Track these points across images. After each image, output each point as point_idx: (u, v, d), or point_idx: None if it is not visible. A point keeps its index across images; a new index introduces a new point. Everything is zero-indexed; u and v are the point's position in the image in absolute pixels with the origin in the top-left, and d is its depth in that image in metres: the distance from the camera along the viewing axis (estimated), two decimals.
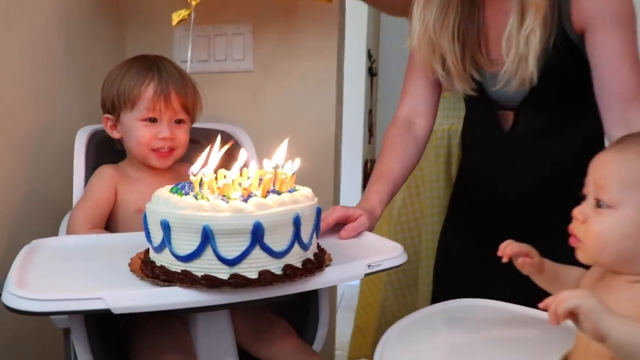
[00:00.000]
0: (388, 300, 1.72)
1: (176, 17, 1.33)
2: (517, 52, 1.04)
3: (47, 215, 1.34)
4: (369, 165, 3.62)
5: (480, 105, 1.19)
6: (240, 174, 0.84)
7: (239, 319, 1.03)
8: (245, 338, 1.06)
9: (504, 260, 0.85)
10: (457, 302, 1.00)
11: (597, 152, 0.75)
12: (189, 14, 1.33)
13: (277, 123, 1.63)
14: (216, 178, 0.81)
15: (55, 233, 1.21)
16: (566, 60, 1.05)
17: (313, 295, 1.08)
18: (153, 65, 1.18)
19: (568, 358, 0.78)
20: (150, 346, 0.97)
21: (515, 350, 0.85)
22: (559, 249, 0.79)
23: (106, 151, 1.24)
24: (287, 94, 1.66)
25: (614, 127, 1.02)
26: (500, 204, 1.19)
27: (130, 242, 0.96)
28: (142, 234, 1.00)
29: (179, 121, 1.19)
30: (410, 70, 1.24)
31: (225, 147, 0.85)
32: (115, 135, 1.21)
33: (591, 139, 1.12)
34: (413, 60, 1.22)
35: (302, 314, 1.10)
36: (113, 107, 1.18)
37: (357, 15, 3.17)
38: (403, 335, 0.87)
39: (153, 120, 1.16)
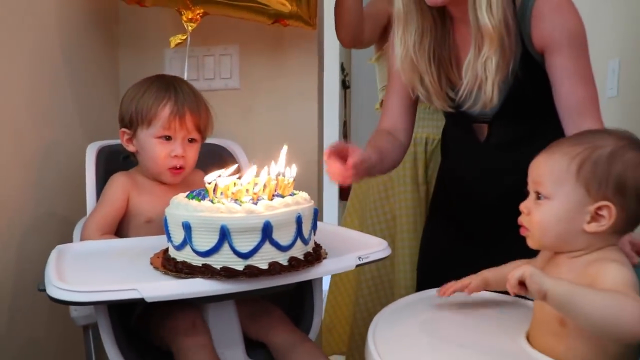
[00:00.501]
0: (363, 297, 1.83)
1: (174, 41, 1.45)
2: (476, 77, 1.17)
3: (55, 226, 1.44)
4: None
5: (458, 119, 1.31)
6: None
7: (241, 308, 1.14)
8: (245, 324, 1.15)
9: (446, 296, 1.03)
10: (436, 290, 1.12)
11: None
12: (186, 38, 1.45)
13: (265, 136, 1.76)
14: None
15: (64, 241, 1.32)
16: (530, 79, 1.19)
17: (308, 288, 1.21)
18: (170, 86, 1.26)
19: (529, 331, 0.93)
20: (170, 333, 1.09)
21: (495, 324, 0.98)
22: (523, 240, 0.94)
23: (113, 164, 1.34)
24: (272, 109, 1.79)
25: None
26: (477, 207, 1.32)
27: (143, 246, 1.10)
28: (152, 238, 1.15)
29: (191, 140, 1.27)
30: (389, 92, 1.36)
31: (234, 167, 0.98)
32: (130, 148, 1.29)
33: None
34: (393, 82, 1.34)
35: (298, 305, 1.22)
36: (131, 122, 1.26)
37: (331, 31, 3.32)
38: (392, 316, 1.01)
39: (168, 138, 1.25)
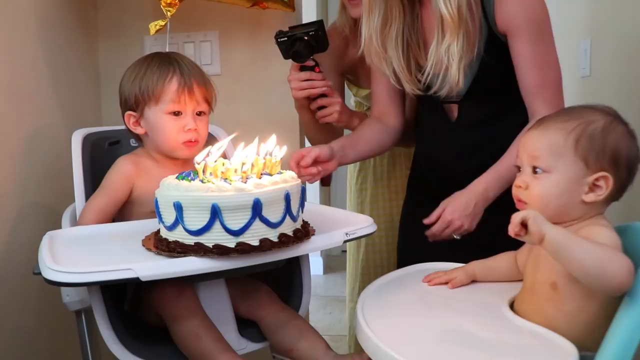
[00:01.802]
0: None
1: (153, 27, 1.45)
2: (441, 63, 1.20)
3: (42, 215, 1.44)
4: None
5: (429, 101, 1.34)
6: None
7: (232, 288, 1.16)
8: (236, 303, 1.17)
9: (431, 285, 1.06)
10: (423, 265, 1.16)
11: None
12: (165, 24, 1.45)
13: (247, 120, 1.78)
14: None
15: (51, 230, 1.32)
16: (497, 59, 1.22)
17: (296, 265, 1.23)
18: (172, 60, 1.23)
19: (515, 299, 0.98)
20: (159, 301, 1.10)
21: (475, 293, 1.03)
22: (503, 218, 0.97)
23: (99, 151, 1.34)
24: (254, 93, 1.81)
25: (530, 115, 1.23)
26: (452, 185, 1.33)
27: (134, 229, 1.12)
28: (142, 222, 1.16)
29: (199, 113, 1.25)
30: (374, 80, 1.39)
31: (225, 141, 1.01)
32: (139, 130, 1.25)
33: (523, 126, 1.29)
34: (376, 71, 1.35)
35: (287, 284, 1.24)
36: (136, 103, 1.22)
37: (309, 13, 3.33)
38: (379, 291, 1.05)
39: (177, 113, 1.22)
